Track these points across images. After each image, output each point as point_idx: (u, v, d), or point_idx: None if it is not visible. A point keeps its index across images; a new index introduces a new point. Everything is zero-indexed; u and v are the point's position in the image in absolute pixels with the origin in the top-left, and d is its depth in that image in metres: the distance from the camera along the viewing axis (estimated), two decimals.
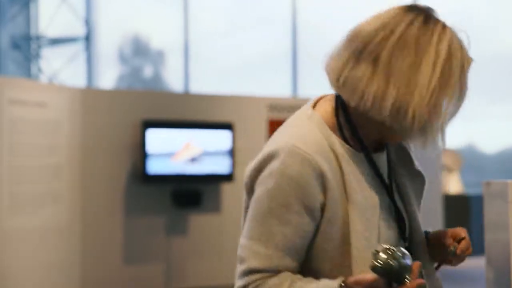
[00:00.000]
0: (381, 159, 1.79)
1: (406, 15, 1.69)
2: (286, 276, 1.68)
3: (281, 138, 1.73)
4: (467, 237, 1.88)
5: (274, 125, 8.35)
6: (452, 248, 1.85)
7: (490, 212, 2.25)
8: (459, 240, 1.88)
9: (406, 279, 1.58)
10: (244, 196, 1.80)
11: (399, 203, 1.81)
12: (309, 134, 1.71)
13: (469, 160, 11.30)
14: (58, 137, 7.04)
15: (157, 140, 7.65)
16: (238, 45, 13.63)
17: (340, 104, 1.76)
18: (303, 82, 12.60)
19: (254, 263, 1.67)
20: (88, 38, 13.65)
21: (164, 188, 7.79)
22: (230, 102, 8.26)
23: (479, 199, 9.77)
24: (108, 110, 7.60)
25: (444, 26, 1.69)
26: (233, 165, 7.92)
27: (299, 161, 1.66)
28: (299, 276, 1.70)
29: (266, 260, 1.67)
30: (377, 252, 1.59)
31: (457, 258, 1.88)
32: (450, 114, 1.70)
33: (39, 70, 13.60)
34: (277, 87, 12.78)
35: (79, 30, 13.68)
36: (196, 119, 7.97)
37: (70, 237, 7.17)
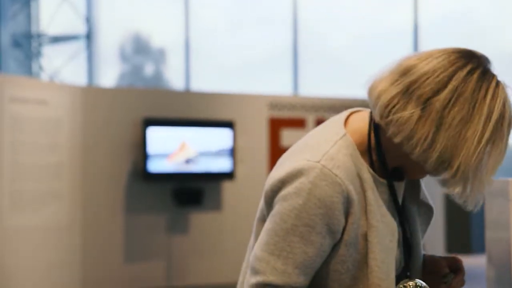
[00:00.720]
0: (400, 187, 1.80)
1: (464, 64, 1.66)
2: None
3: (311, 154, 1.71)
4: (463, 268, 1.87)
5: (274, 123, 8.34)
6: (448, 277, 1.84)
7: (491, 210, 2.25)
8: (455, 270, 1.87)
9: None
10: (261, 202, 1.79)
11: (408, 230, 1.83)
12: (340, 157, 1.70)
13: None
14: (59, 135, 7.04)
15: (158, 138, 7.65)
16: (239, 43, 13.63)
17: (373, 127, 1.75)
18: (304, 80, 12.60)
19: (271, 278, 1.68)
20: (89, 36, 13.65)
21: (165, 186, 7.79)
22: (231, 100, 8.26)
23: None
24: (109, 108, 7.60)
25: (497, 83, 1.68)
26: (234, 163, 7.92)
27: (330, 184, 1.66)
28: None
29: (283, 277, 1.68)
30: (405, 287, 1.61)
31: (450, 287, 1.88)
32: (492, 170, 1.71)
33: (40, 68, 13.61)
34: (278, 86, 12.78)
35: (80, 28, 13.68)
36: (197, 118, 7.97)
37: (71, 235, 7.17)
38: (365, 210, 1.70)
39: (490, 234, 2.29)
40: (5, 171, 6.40)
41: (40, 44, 13.73)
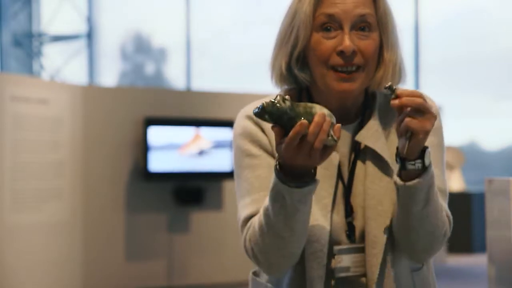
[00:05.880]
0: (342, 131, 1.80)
1: None
2: None
3: None
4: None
5: None
6: (387, 85, 1.62)
7: (492, 210, 2.25)
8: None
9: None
10: None
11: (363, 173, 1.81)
12: (259, 102, 1.84)
13: (471, 157, 11.28)
14: (60, 134, 7.04)
15: (159, 137, 7.65)
16: (241, 42, 13.63)
17: (305, 86, 1.90)
18: None
19: (244, 214, 1.79)
20: (90, 35, 13.67)
21: (166, 185, 7.79)
22: (232, 100, 8.26)
23: (481, 197, 9.75)
24: (110, 107, 7.60)
25: None
26: None
27: (242, 119, 1.85)
28: None
29: (253, 205, 1.77)
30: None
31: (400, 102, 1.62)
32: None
33: (41, 67, 13.63)
34: None
35: (81, 27, 13.69)
36: (198, 117, 7.97)
37: (72, 234, 7.18)
38: None
39: (491, 233, 2.29)
40: (6, 169, 6.41)
41: (41, 43, 13.75)
